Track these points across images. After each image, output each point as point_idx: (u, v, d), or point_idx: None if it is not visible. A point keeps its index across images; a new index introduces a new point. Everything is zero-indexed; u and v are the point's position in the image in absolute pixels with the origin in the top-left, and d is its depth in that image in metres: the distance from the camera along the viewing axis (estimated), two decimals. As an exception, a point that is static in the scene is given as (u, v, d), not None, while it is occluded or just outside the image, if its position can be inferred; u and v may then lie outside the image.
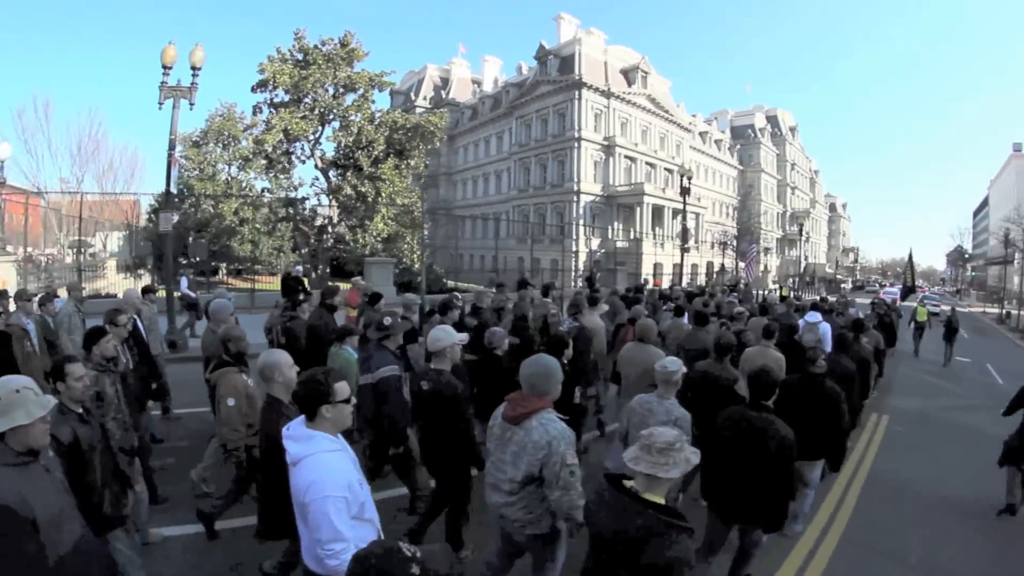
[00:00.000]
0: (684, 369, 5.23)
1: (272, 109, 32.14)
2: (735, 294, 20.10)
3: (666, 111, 59.31)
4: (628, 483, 2.85)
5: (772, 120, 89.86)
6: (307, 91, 31.13)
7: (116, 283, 25.81)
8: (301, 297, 9.02)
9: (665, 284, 32.32)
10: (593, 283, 20.19)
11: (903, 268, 48.25)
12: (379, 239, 31.12)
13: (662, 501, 2.76)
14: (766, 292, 37.02)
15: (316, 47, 31.36)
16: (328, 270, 33.69)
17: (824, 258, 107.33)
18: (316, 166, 33.76)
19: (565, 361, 5.54)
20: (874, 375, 11.66)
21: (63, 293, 11.41)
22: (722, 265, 54.08)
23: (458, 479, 4.94)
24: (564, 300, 12.81)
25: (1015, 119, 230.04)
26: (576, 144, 51.09)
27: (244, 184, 32.29)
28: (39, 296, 9.23)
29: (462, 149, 69.25)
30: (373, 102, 33.38)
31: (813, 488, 6.41)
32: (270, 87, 31.38)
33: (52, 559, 2.76)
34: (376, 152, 31.85)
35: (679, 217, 33.67)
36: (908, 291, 35.28)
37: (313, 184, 35.74)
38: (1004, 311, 43.43)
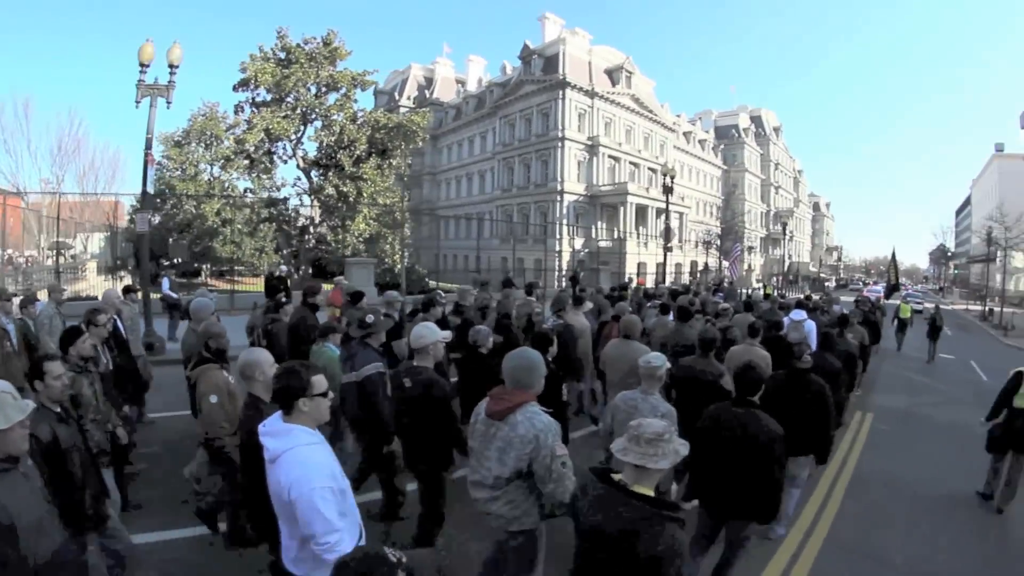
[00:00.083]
0: (668, 364, 5.18)
1: (254, 108, 31.96)
2: (720, 293, 20.08)
3: (650, 111, 59.43)
4: (616, 476, 2.80)
5: (756, 120, 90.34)
6: (289, 90, 31.00)
7: (97, 285, 25.48)
8: (284, 299, 8.91)
9: (649, 283, 32.34)
10: (577, 282, 20.11)
11: (886, 266, 48.42)
12: (361, 239, 31.00)
13: (652, 493, 2.72)
14: (750, 291, 37.05)
15: (299, 46, 31.25)
16: (310, 271, 33.46)
17: (808, 257, 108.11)
18: (298, 166, 33.66)
19: (550, 358, 5.49)
20: (859, 371, 11.67)
21: (43, 295, 11.23)
22: (706, 264, 54.25)
23: (436, 479, 4.90)
24: (547, 299, 12.72)
25: (997, 118, 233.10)
26: (560, 144, 51.01)
27: (226, 184, 32.03)
28: (20, 298, 9.15)
29: (446, 149, 68.92)
30: (356, 101, 33.34)
31: (799, 487, 6.37)
32: (252, 86, 31.24)
33: (30, 567, 2.73)
34: (358, 152, 31.76)
35: (663, 216, 33.60)
36: (892, 289, 35.41)
37: (295, 184, 35.59)
38: (987, 308, 43.70)
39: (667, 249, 30.80)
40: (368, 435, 5.67)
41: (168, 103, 13.94)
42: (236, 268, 30.31)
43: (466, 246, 47.65)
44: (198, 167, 31.82)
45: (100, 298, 10.37)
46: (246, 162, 31.63)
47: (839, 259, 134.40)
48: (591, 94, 52.35)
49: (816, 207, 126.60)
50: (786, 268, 63.89)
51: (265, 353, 4.30)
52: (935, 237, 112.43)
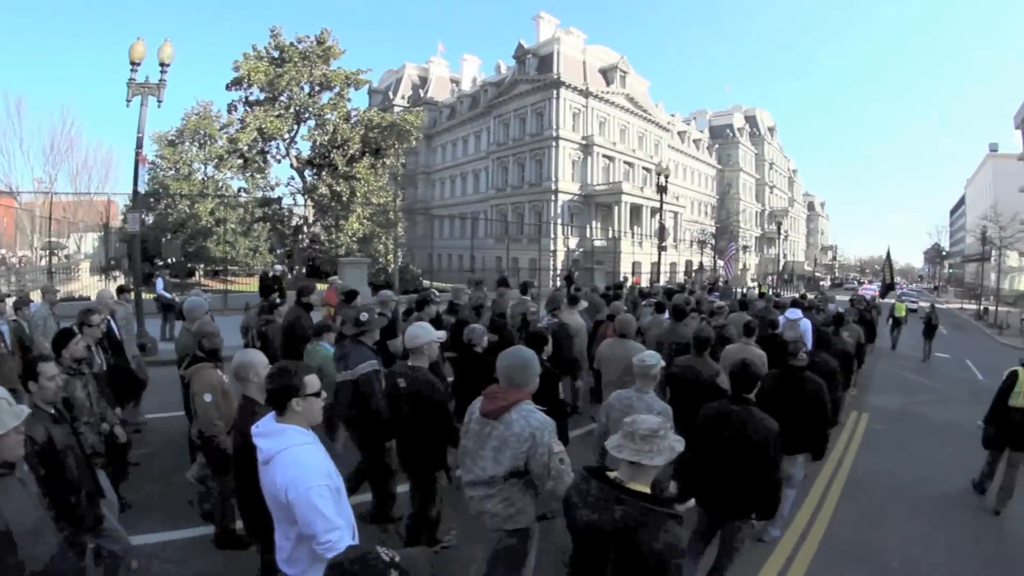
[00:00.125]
0: (662, 363, 5.14)
1: (247, 107, 31.84)
2: (716, 292, 20.06)
3: (645, 110, 59.43)
4: (612, 474, 2.78)
5: (751, 120, 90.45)
6: (282, 89, 30.90)
7: (90, 285, 25.36)
8: (278, 299, 8.93)
9: (644, 282, 32.31)
10: (572, 282, 20.06)
11: (881, 266, 48.58)
12: (354, 239, 30.92)
13: (647, 490, 2.70)
14: (745, 290, 37.08)
15: (292, 44, 31.17)
16: (304, 271, 33.35)
17: (803, 256, 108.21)
18: (291, 165, 33.53)
19: (545, 357, 5.48)
20: (855, 369, 11.65)
21: (36, 296, 11.15)
22: (700, 263, 54.20)
23: (429, 480, 4.89)
24: (542, 299, 12.68)
25: (992, 118, 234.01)
26: (554, 143, 50.98)
27: (220, 184, 31.91)
28: (14, 300, 9.13)
29: (440, 148, 68.81)
30: (349, 100, 33.30)
31: (794, 488, 6.29)
32: (245, 85, 31.09)
33: (27, 573, 2.72)
34: (351, 151, 31.71)
35: (657, 216, 33.59)
36: (887, 288, 35.53)
37: (289, 184, 35.51)
38: (982, 307, 43.76)
39: (661, 248, 30.76)
40: (364, 433, 5.66)
41: (159, 102, 13.88)
42: (230, 268, 30.19)
43: (460, 245, 47.57)
44: (192, 166, 31.74)
45: (94, 298, 10.32)
46: (240, 161, 31.54)
47: (834, 258, 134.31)
48: (585, 93, 52.28)
49: (811, 206, 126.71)
50: (781, 267, 63.90)
51: (259, 354, 4.30)
52: (930, 236, 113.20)
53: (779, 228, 60.76)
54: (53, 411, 3.87)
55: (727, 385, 4.92)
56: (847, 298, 24.63)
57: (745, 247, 74.34)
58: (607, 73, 55.55)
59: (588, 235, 47.52)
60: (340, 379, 5.73)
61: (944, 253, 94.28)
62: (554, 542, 4.75)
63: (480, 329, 6.54)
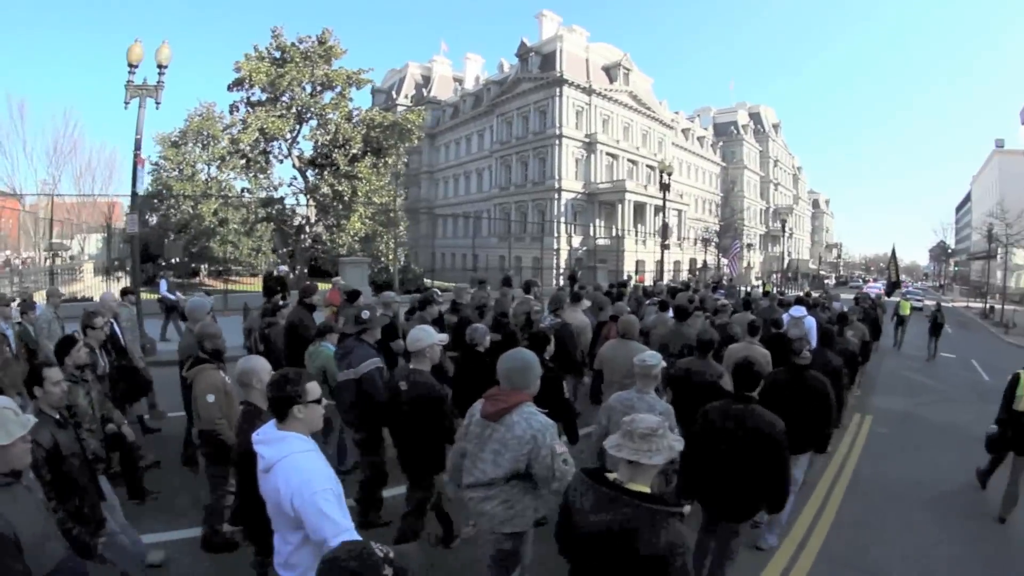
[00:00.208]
0: (663, 363, 5.13)
1: (249, 108, 31.89)
2: (721, 290, 19.96)
3: (648, 108, 59.29)
4: (611, 475, 2.79)
5: (755, 117, 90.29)
6: (284, 89, 30.97)
7: (94, 286, 25.65)
8: (281, 301, 9.02)
9: (648, 281, 32.21)
10: (576, 280, 20.00)
11: (886, 263, 48.33)
12: (356, 238, 30.94)
13: (647, 490, 2.70)
14: (749, 288, 36.95)
15: (293, 45, 31.23)
16: (307, 270, 33.35)
17: (807, 254, 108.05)
18: (293, 165, 33.53)
19: (547, 357, 5.52)
20: (860, 367, 11.66)
21: (39, 298, 11.15)
22: (704, 261, 54.09)
23: (428, 482, 4.91)
24: (545, 298, 12.63)
25: (998, 114, 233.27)
26: (557, 141, 50.90)
27: (223, 184, 31.96)
28: (20, 302, 9.26)
29: (443, 147, 68.88)
30: (351, 100, 33.38)
31: (793, 492, 6.11)
32: (247, 86, 31.13)
33: None
34: (353, 150, 31.73)
35: (661, 214, 33.51)
36: (893, 286, 35.30)
37: (291, 184, 35.54)
38: (987, 306, 43.55)
39: (664, 246, 30.68)
40: (366, 433, 5.69)
41: (157, 104, 13.86)
42: (234, 268, 30.20)
43: (463, 245, 47.63)
44: (195, 167, 31.79)
45: (97, 299, 10.36)
46: (242, 162, 31.62)
47: (839, 256, 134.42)
48: (589, 91, 52.19)
49: (816, 204, 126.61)
50: (786, 265, 63.86)
51: (262, 361, 4.34)
52: (935, 234, 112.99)
53: (783, 226, 60.56)
54: (58, 416, 3.92)
55: (730, 386, 4.86)
56: (852, 296, 24.51)
57: (749, 245, 74.11)
58: (610, 71, 55.43)
59: (591, 233, 47.32)
60: (342, 378, 5.75)
61: (950, 251, 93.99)
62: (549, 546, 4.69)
63: (483, 329, 6.53)
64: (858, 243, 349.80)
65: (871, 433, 10.52)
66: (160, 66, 13.62)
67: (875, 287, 51.49)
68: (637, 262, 46.35)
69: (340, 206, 31.43)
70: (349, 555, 1.70)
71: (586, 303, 10.09)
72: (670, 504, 2.67)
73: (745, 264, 66.66)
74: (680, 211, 58.16)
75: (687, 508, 3.94)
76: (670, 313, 9.41)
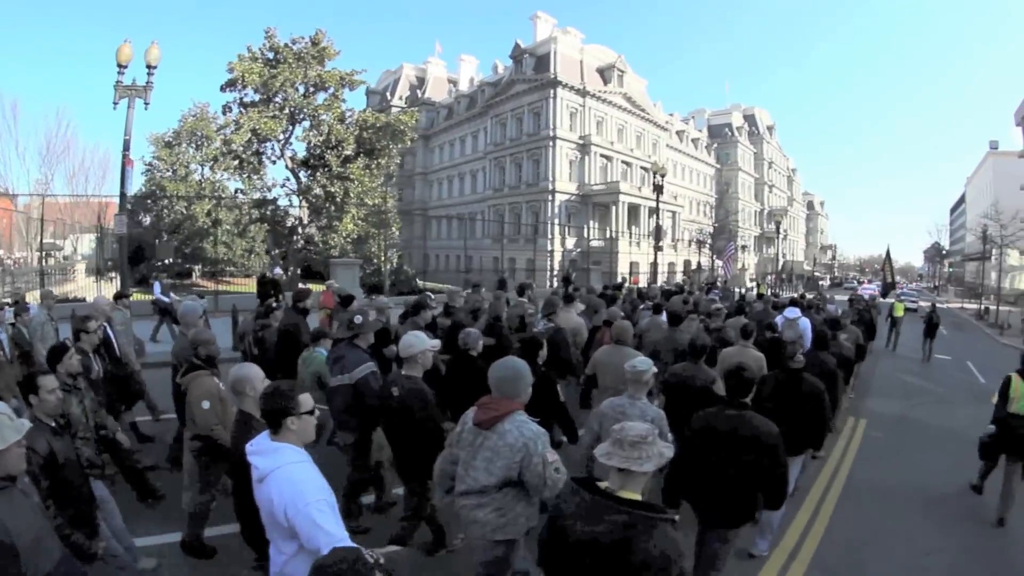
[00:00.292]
0: (655, 369, 5.09)
1: (242, 108, 31.80)
2: (716, 291, 19.88)
3: (642, 110, 59.37)
4: (602, 484, 2.77)
5: (749, 119, 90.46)
6: (276, 90, 30.95)
7: (86, 286, 25.46)
8: (275, 303, 9.02)
9: (642, 282, 32.17)
10: (570, 282, 19.94)
11: (881, 265, 48.44)
12: (348, 240, 30.85)
13: (639, 497, 2.69)
14: (744, 290, 36.91)
15: (287, 45, 31.21)
16: (300, 272, 33.24)
17: (802, 255, 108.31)
18: (286, 166, 33.48)
19: (540, 362, 5.54)
20: (855, 368, 11.64)
21: (32, 299, 11.07)
22: (699, 263, 54.08)
23: (423, 487, 4.95)
24: (539, 300, 12.55)
25: (992, 116, 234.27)
26: (551, 143, 50.89)
27: (217, 185, 31.87)
28: (14, 305, 9.24)
29: (437, 149, 68.90)
30: (344, 101, 33.34)
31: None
32: (239, 86, 31.05)
33: None
34: (346, 152, 31.67)
35: (655, 215, 33.48)
36: (888, 288, 35.35)
37: (284, 185, 35.40)
38: (982, 307, 43.55)
39: (657, 248, 30.70)
40: (359, 437, 5.69)
41: (146, 104, 13.87)
42: (227, 269, 30.10)
43: (457, 246, 47.54)
44: (189, 168, 31.74)
45: (90, 300, 10.27)
46: (235, 162, 31.51)
47: (833, 258, 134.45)
48: (583, 93, 52.22)
49: (810, 206, 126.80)
50: (780, 267, 63.82)
51: (256, 369, 4.33)
52: (930, 235, 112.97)
53: (778, 227, 60.53)
54: (54, 424, 3.93)
55: (723, 391, 4.86)
56: (846, 298, 24.50)
57: (744, 246, 74.27)
58: (604, 72, 55.47)
59: (585, 235, 47.39)
60: (335, 383, 5.76)
61: (944, 252, 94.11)
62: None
63: (475, 333, 6.50)
64: (853, 244, 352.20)
65: (865, 437, 10.39)
66: (149, 67, 13.62)
67: (869, 288, 51.65)
68: (631, 264, 46.37)
69: (332, 207, 31.38)
70: (339, 562, 1.70)
71: (580, 306, 10.01)
72: (661, 511, 2.64)
73: (740, 266, 66.74)
74: (674, 213, 58.26)
75: (676, 517, 3.86)
76: (664, 316, 9.30)
